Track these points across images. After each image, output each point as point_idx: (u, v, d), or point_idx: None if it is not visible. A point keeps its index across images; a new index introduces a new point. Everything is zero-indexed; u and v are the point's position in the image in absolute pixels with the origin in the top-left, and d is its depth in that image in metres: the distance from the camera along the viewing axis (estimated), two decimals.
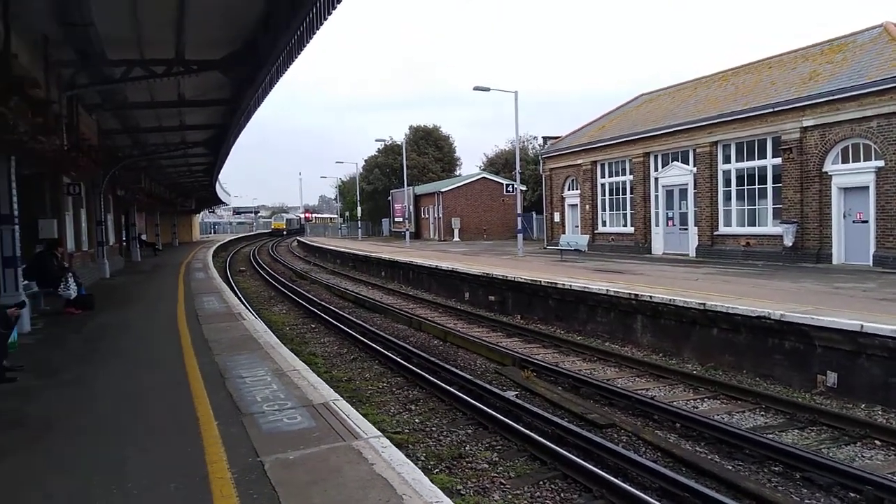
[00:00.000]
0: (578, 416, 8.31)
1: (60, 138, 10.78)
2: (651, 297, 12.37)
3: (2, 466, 4.59)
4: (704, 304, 11.18)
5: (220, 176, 41.86)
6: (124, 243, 31.30)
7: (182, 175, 36.84)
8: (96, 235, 21.58)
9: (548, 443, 7.09)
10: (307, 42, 8.90)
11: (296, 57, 9.71)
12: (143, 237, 37.43)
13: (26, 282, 11.67)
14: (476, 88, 25.57)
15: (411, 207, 50.41)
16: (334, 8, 7.53)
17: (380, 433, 4.78)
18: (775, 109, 18.98)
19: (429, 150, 65.56)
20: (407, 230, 44.29)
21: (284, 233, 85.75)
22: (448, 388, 9.37)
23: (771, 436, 7.58)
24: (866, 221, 17.09)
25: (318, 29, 8.18)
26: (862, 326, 8.66)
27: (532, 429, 7.67)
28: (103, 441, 5.03)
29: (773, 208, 19.78)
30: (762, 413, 8.62)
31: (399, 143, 60.36)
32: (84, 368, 7.78)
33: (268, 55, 10.43)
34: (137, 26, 10.49)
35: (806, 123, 18.15)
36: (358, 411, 5.64)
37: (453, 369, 10.66)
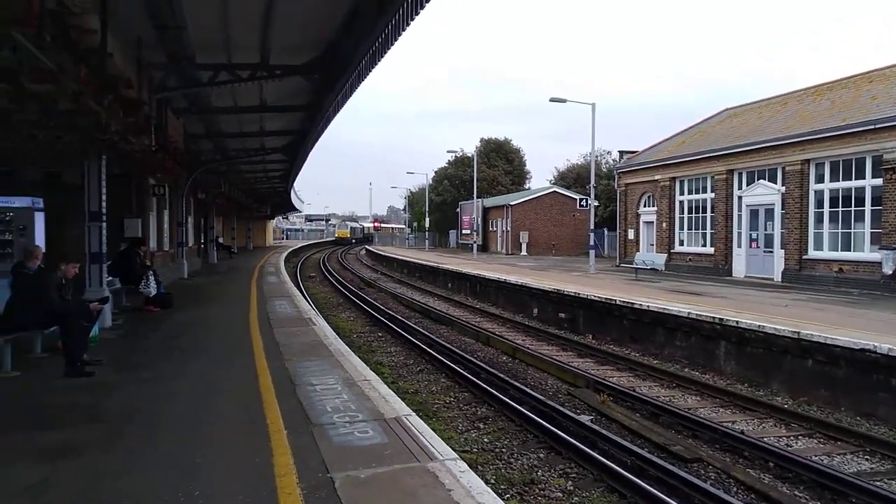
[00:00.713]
0: (660, 446, 7.76)
1: (149, 139, 11.11)
2: (738, 322, 11.61)
3: (79, 461, 4.58)
4: (798, 333, 10.36)
5: (294, 183, 42.85)
6: (202, 245, 32.39)
7: (259, 181, 37.89)
8: (177, 236, 22.36)
9: (628, 474, 6.63)
10: (391, 44, 8.79)
11: (378, 60, 9.64)
12: (220, 240, 38.72)
13: (110, 278, 12.06)
14: (552, 100, 25.11)
15: (479, 220, 50.18)
16: (422, 7, 7.36)
17: (456, 455, 4.48)
18: (877, 126, 17.67)
19: (499, 162, 65.30)
20: (475, 242, 44.06)
21: (353, 241, 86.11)
22: (518, 407, 9.00)
23: (879, 483, 6.84)
24: None
25: (404, 30, 8.03)
26: None
27: (609, 457, 7.22)
28: (177, 442, 4.96)
29: (871, 233, 18.37)
30: (867, 457, 7.83)
31: (469, 155, 60.43)
32: (161, 366, 7.86)
33: (350, 59, 10.41)
34: (226, 30, 10.71)
35: None
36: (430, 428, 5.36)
37: (523, 388, 10.27)
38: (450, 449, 4.63)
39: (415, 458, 4.41)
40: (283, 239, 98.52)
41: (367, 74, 10.61)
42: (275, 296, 16.21)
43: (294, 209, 72.09)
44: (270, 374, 7.10)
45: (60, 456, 4.66)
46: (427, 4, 7.61)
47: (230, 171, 29.63)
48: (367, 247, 68.41)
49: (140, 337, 10.02)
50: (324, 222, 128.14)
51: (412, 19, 7.65)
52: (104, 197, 10.85)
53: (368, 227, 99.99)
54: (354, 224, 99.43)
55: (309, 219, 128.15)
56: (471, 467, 4.56)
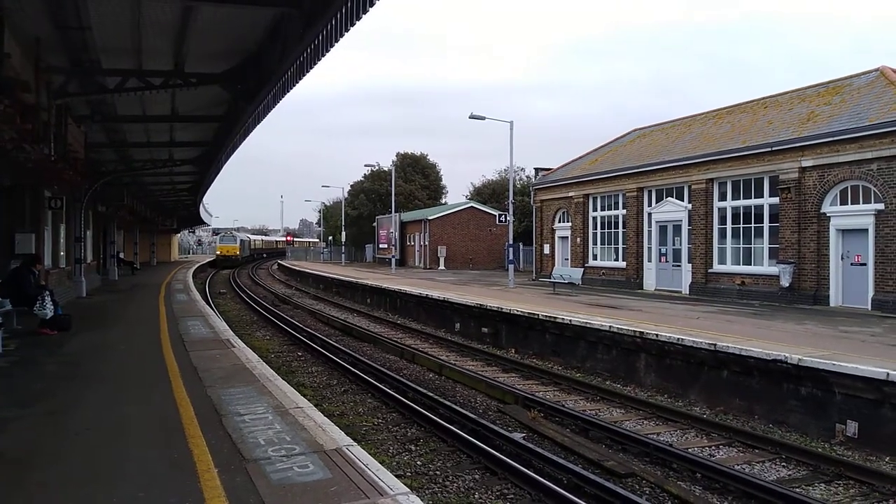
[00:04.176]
0: (594, 462, 7.80)
1: (48, 148, 10.18)
2: (657, 335, 11.97)
3: None
4: (715, 345, 10.79)
5: (204, 196, 41.04)
6: (102, 261, 30.34)
7: (165, 193, 36.05)
8: (74, 252, 20.76)
9: (566, 493, 6.58)
10: (322, 55, 8.43)
11: (307, 72, 9.23)
12: (121, 255, 36.44)
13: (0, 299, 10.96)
14: (472, 117, 25.37)
15: (397, 234, 49.95)
16: (353, 23, 7.11)
17: (407, 489, 4.22)
18: (773, 149, 18.95)
19: (415, 177, 65.47)
20: (393, 257, 43.74)
21: (252, 258, 70.44)
22: (450, 427, 8.83)
23: (798, 490, 7.14)
24: (865, 264, 16.96)
25: (337, 41, 7.71)
26: (888, 374, 8.31)
27: (545, 475, 7.18)
28: (91, 488, 4.39)
29: (770, 248, 19.63)
30: (783, 464, 8.20)
31: (386, 168, 60.23)
32: (64, 397, 7.11)
33: (275, 70, 9.94)
34: (137, 34, 9.98)
35: (805, 164, 18.11)
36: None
37: (453, 406, 10.12)
38: (399, 482, 4.37)
39: (363, 494, 4.11)
40: (188, 254, 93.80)
41: (293, 86, 10.20)
42: (186, 315, 15.29)
43: (202, 222, 68.97)
44: (191, 403, 6.55)
45: None
46: (358, 22, 7.38)
47: (134, 182, 27.99)
48: (280, 261, 66.18)
49: (36, 364, 9.08)
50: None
51: (345, 31, 7.36)
52: None
53: (277, 241, 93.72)
54: (244, 236, 72.06)
55: (216, 232, 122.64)
56: None
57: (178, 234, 78.34)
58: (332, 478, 4.40)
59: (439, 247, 46.33)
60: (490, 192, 58.77)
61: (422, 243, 49.02)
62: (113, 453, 5.15)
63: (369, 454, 6.83)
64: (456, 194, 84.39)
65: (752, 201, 20.23)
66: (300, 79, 9.62)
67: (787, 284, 18.36)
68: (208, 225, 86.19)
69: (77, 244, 20.75)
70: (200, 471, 4.54)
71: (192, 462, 4.74)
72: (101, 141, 18.60)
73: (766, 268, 19.62)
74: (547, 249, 31.22)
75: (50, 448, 5.31)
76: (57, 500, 4.21)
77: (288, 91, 10.55)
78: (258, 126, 14.97)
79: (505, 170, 57.98)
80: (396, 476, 6.90)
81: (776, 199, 19.07)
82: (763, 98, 23.77)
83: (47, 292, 12.26)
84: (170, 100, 13.89)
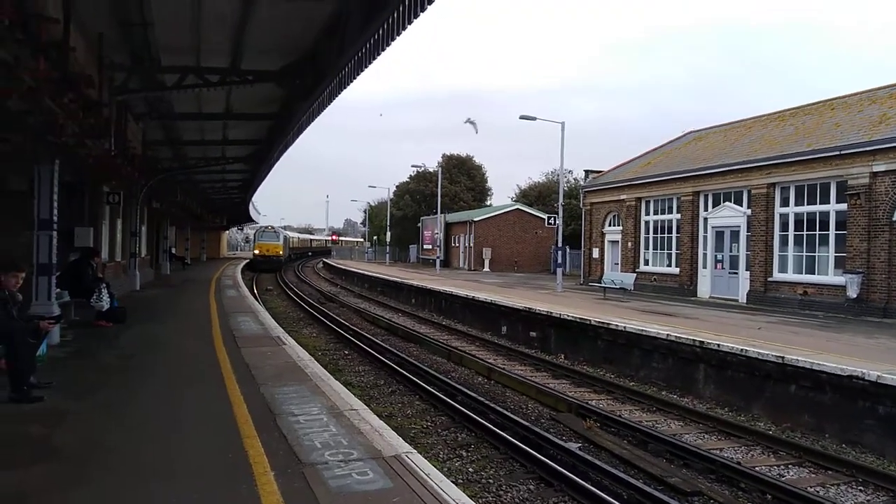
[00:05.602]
0: (656, 478, 7.41)
1: (109, 143, 10.31)
2: (719, 345, 11.44)
3: None
4: (783, 358, 10.23)
5: (255, 195, 41.74)
6: (155, 256, 31.09)
7: (216, 191, 36.76)
8: (130, 246, 21.25)
9: None
10: (382, 50, 8.23)
11: (365, 67, 9.09)
12: (173, 251, 37.34)
13: (58, 290, 11.15)
14: (522, 118, 25.03)
15: (442, 235, 49.84)
16: (417, 14, 6.90)
17: None
18: (842, 152, 18.04)
19: (461, 178, 65.34)
20: (437, 258, 43.63)
21: (308, 255, 76.60)
22: (502, 433, 8.55)
23: None
24: None
25: (399, 34, 7.50)
26: None
27: (603, 489, 6.83)
28: (150, 486, 4.29)
29: (836, 256, 18.69)
30: (861, 488, 7.65)
31: (431, 170, 60.26)
32: (119, 390, 7.12)
33: (331, 66, 9.84)
34: (196, 31, 10.04)
35: (876, 168, 17.17)
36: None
37: (504, 412, 9.83)
38: (465, 496, 4.12)
39: None
40: (236, 251, 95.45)
41: (350, 82, 10.05)
42: (237, 311, 15.41)
43: (251, 220, 70.30)
44: (245, 401, 6.44)
45: None
46: (422, 13, 7.15)
47: (188, 179, 28.57)
48: (325, 260, 66.76)
49: (93, 356, 9.18)
50: None
51: (408, 24, 7.15)
52: (55, 204, 10.02)
53: (313, 241, 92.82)
54: (289, 233, 63.24)
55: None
56: None
57: (227, 232, 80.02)
58: (394, 487, 4.17)
59: (484, 249, 46.03)
60: (536, 195, 58.15)
61: (466, 245, 48.80)
62: (169, 451, 5.06)
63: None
64: (501, 196, 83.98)
65: (818, 207, 19.30)
66: (357, 74, 9.46)
67: (855, 295, 17.43)
68: (256, 223, 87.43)
69: (133, 239, 21.23)
70: (257, 473, 4.38)
71: (249, 464, 4.59)
72: (158, 138, 18.99)
73: (832, 277, 18.68)
74: (596, 253, 30.60)
75: (106, 442, 5.25)
76: (113, 498, 4.11)
77: (345, 87, 10.40)
78: (310, 125, 15.01)
79: (552, 172, 57.44)
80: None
81: (843, 206, 18.14)
82: (830, 100, 22.73)
83: (104, 285, 12.46)
84: (225, 97, 14.03)
